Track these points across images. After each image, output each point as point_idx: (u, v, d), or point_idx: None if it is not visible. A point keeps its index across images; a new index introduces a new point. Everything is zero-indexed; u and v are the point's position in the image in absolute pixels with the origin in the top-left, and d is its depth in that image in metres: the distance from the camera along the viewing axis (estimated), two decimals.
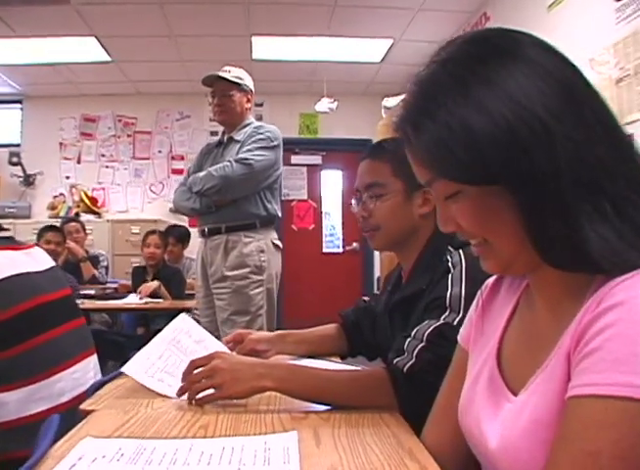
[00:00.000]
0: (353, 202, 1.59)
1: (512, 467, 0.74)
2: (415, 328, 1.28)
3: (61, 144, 7.12)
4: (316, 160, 7.48)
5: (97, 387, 1.38)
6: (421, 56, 5.83)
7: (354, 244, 7.49)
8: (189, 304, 4.36)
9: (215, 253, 3.11)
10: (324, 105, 6.46)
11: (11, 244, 1.61)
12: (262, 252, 3.09)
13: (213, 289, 3.13)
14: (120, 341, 3.87)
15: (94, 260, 5.31)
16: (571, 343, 0.70)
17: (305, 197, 7.45)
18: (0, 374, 1.40)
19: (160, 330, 4.42)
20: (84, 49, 5.62)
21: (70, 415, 1.35)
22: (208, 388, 1.20)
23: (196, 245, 5.58)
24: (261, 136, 3.12)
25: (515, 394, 0.80)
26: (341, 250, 7.57)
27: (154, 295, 4.30)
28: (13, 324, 1.42)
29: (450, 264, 1.34)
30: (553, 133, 0.69)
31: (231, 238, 3.08)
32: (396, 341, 1.31)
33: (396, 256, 1.61)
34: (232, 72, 3.20)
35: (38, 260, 1.63)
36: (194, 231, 5.75)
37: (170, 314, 4.48)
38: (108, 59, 5.87)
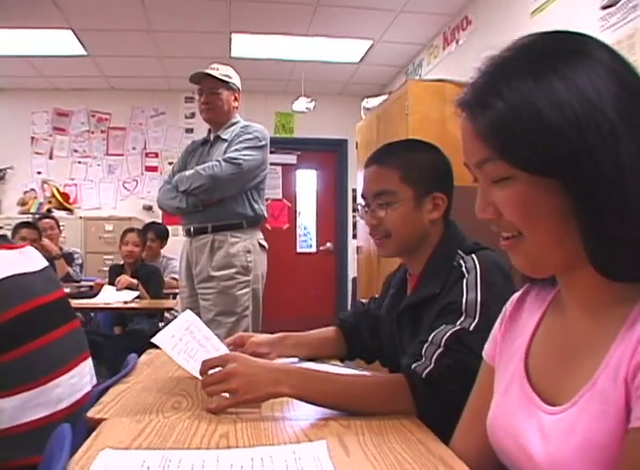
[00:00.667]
0: (360, 208, 1.58)
1: None
2: (432, 333, 1.26)
3: (32, 138, 6.95)
4: (291, 159, 7.44)
5: (100, 394, 1.33)
6: (400, 57, 5.88)
7: (328, 244, 7.48)
8: (167, 303, 4.30)
9: (201, 252, 3.05)
10: (301, 104, 6.43)
11: (4, 242, 1.54)
12: (249, 252, 3.06)
13: (199, 289, 3.07)
14: (98, 341, 3.78)
15: (68, 258, 5.21)
16: (628, 367, 0.68)
17: (280, 196, 7.41)
18: None
19: (137, 330, 4.38)
20: (60, 42, 5.48)
21: (72, 423, 1.30)
22: (223, 392, 1.17)
23: (173, 243, 5.56)
24: (249, 136, 3.08)
25: (550, 404, 0.79)
26: (314, 249, 7.55)
27: (130, 287, 4.22)
28: (9, 328, 1.35)
29: (464, 269, 1.33)
30: (619, 135, 0.69)
31: (217, 238, 3.03)
32: (412, 346, 1.29)
33: (404, 260, 1.60)
34: (220, 70, 3.15)
35: (32, 260, 1.56)
36: (171, 229, 5.70)
37: (148, 314, 4.46)
38: (83, 53, 5.73)
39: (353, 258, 6.69)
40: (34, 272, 1.52)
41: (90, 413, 1.17)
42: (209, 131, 3.28)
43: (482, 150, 0.77)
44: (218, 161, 2.96)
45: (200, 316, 3.00)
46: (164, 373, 1.58)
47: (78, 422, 1.25)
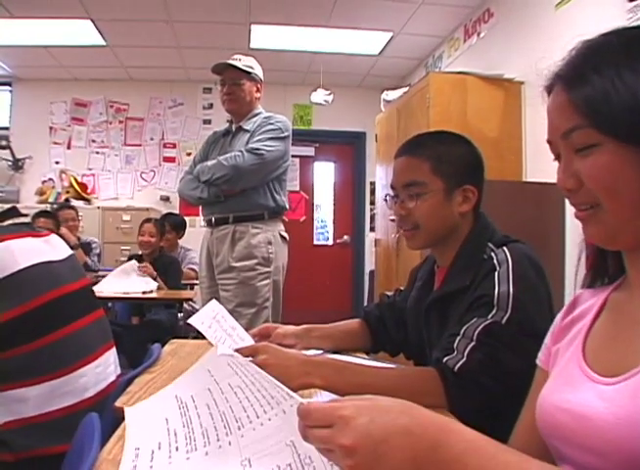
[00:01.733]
0: (388, 199, 1.56)
1: (631, 441, 0.70)
2: (464, 326, 1.24)
3: (51, 128, 6.97)
4: (309, 151, 7.41)
5: (127, 383, 1.33)
6: (420, 50, 5.83)
7: (345, 237, 7.45)
8: (186, 294, 4.30)
9: (222, 243, 3.05)
10: (320, 96, 6.40)
11: (30, 231, 1.54)
12: (270, 243, 3.05)
13: (219, 280, 3.07)
14: (117, 330, 3.78)
15: (86, 248, 5.23)
16: None
17: (297, 188, 7.38)
18: (21, 368, 1.33)
19: (155, 321, 4.38)
20: (79, 32, 5.47)
21: (97, 412, 1.29)
22: None
23: (191, 235, 5.57)
24: (272, 127, 3.06)
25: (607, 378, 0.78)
26: (331, 242, 7.53)
27: (150, 275, 4.23)
28: (36, 316, 1.35)
29: (496, 262, 1.31)
30: None
31: (239, 228, 3.02)
32: (443, 339, 1.27)
33: (432, 252, 1.58)
34: (243, 61, 3.14)
35: (57, 249, 1.56)
36: (188, 220, 5.71)
37: (166, 304, 4.47)
38: (102, 43, 5.73)
39: (370, 251, 6.67)
40: (60, 261, 1.52)
41: (118, 403, 1.17)
42: (231, 122, 3.26)
43: (573, 118, 0.79)
44: (241, 151, 2.95)
45: None
46: (190, 363, 1.56)
47: (105, 411, 1.25)
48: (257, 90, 3.21)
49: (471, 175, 1.48)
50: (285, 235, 3.18)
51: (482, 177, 1.51)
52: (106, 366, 1.54)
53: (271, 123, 3.07)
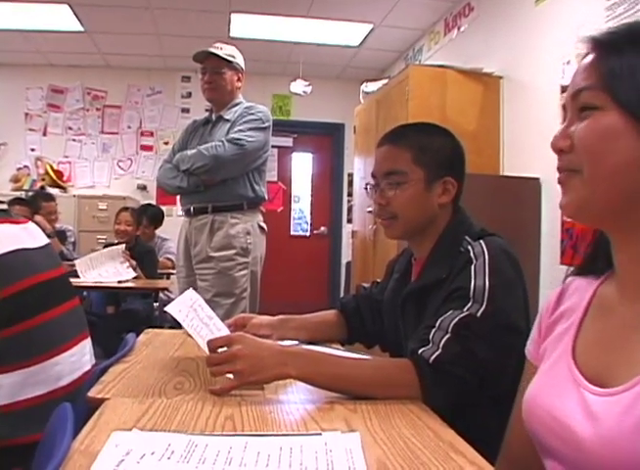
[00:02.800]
0: (369, 188, 1.55)
1: (612, 462, 0.72)
2: (439, 318, 1.24)
3: (26, 115, 6.85)
4: (287, 142, 7.38)
5: (100, 373, 1.31)
6: (400, 42, 5.84)
7: (322, 228, 7.45)
8: (162, 283, 4.28)
9: (200, 233, 3.03)
10: (299, 87, 6.37)
11: (7, 217, 1.51)
12: (249, 234, 3.03)
13: (197, 269, 3.05)
14: (93, 320, 3.74)
15: (61, 236, 5.16)
16: None
17: (275, 179, 7.34)
18: None
19: (131, 310, 4.36)
20: (57, 17, 5.38)
21: (71, 402, 1.28)
22: (228, 373, 1.16)
23: (168, 224, 5.52)
24: (253, 117, 3.04)
25: (597, 386, 0.78)
26: (308, 233, 7.52)
27: (130, 264, 4.20)
28: (12, 302, 1.33)
29: (472, 255, 1.32)
30: None
31: (217, 218, 3.00)
32: (419, 330, 1.27)
33: (410, 244, 1.58)
34: (224, 49, 3.11)
35: (34, 236, 1.54)
36: (165, 210, 5.67)
37: (142, 294, 4.44)
38: (80, 29, 5.63)
39: (347, 242, 6.68)
40: (36, 248, 1.50)
41: (91, 393, 1.16)
42: (211, 111, 3.23)
43: (590, 78, 0.80)
44: (222, 141, 2.93)
45: None
46: (164, 353, 1.57)
47: (78, 401, 1.23)
48: (239, 79, 3.18)
49: (452, 167, 1.48)
50: (263, 226, 3.17)
51: (463, 170, 1.52)
52: (81, 355, 1.52)
53: (252, 114, 3.05)
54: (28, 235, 1.49)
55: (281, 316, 1.71)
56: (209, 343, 1.20)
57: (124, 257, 4.18)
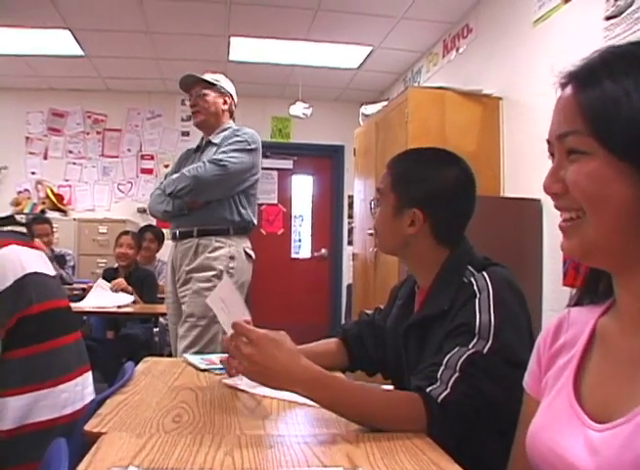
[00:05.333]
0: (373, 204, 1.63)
1: None
2: (446, 355, 1.22)
3: (27, 138, 6.87)
4: (287, 164, 7.40)
5: (97, 405, 1.29)
6: (399, 64, 5.86)
7: (323, 250, 7.43)
8: (161, 308, 4.24)
9: (185, 256, 2.98)
10: (298, 109, 6.39)
11: (29, 241, 1.56)
12: (232, 258, 2.96)
13: (179, 293, 2.99)
14: (92, 346, 3.71)
15: (60, 260, 5.15)
16: None
17: (275, 201, 7.36)
18: (11, 375, 1.30)
19: (130, 335, 4.33)
20: (57, 42, 5.41)
21: (71, 432, 1.26)
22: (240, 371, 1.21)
23: (167, 248, 5.50)
24: (238, 139, 3.00)
25: (598, 421, 0.76)
26: (309, 256, 7.49)
27: (125, 290, 4.17)
28: (31, 323, 1.34)
29: (476, 288, 1.30)
30: None
31: (202, 242, 2.95)
32: (425, 366, 1.25)
33: (410, 271, 1.59)
34: (210, 76, 3.14)
35: (47, 264, 1.57)
36: (165, 233, 5.65)
37: (142, 318, 4.41)
38: (80, 53, 5.66)
39: (348, 264, 6.66)
40: (51, 276, 1.53)
41: (88, 426, 1.13)
42: (202, 138, 3.21)
43: (575, 121, 0.78)
44: (203, 162, 2.91)
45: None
46: (163, 383, 1.54)
47: (75, 435, 1.21)
48: (225, 102, 3.16)
49: (427, 201, 1.45)
50: (250, 253, 3.08)
51: (445, 207, 1.47)
52: (84, 386, 1.51)
53: (237, 136, 3.02)
54: (44, 262, 1.52)
55: None
56: (235, 326, 1.19)
57: (115, 286, 4.16)
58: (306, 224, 7.55)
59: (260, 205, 7.22)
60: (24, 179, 6.83)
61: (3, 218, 1.58)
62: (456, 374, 1.19)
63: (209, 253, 2.92)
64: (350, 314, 5.89)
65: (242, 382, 1.46)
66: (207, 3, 4.64)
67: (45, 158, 6.91)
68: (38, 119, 6.89)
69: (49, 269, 1.53)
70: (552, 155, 0.84)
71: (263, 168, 7.12)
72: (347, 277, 6.88)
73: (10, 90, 6.73)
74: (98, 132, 6.99)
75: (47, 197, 6.62)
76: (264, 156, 7.11)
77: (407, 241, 1.47)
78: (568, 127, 0.79)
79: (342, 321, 6.88)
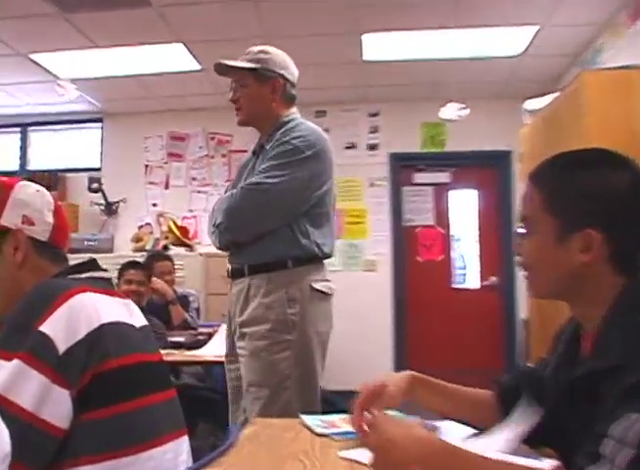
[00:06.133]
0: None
1: None
2: (618, 424, 1.08)
3: (146, 166, 7.31)
4: (444, 177, 7.32)
5: None
6: (573, 43, 5.57)
7: (492, 278, 7.21)
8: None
9: (238, 301, 2.71)
10: (451, 111, 6.32)
11: (110, 288, 1.60)
12: (293, 300, 2.61)
13: (238, 349, 2.73)
14: (215, 398, 3.79)
15: (183, 301, 5.32)
16: None
17: (432, 222, 7.27)
18: (84, 440, 1.31)
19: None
20: (170, 57, 5.75)
21: None
22: None
23: None
24: (284, 147, 2.63)
25: None
26: (475, 285, 7.30)
27: None
28: (109, 379, 1.35)
29: None
30: None
31: (254, 282, 2.65)
32: (591, 438, 1.12)
33: (571, 311, 1.45)
34: (248, 55, 2.82)
35: (133, 315, 1.61)
36: None
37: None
38: (197, 67, 5.97)
39: (523, 294, 6.40)
40: (136, 328, 1.56)
41: None
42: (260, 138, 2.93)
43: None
44: (238, 189, 2.65)
45: (240, 381, 2.73)
46: (268, 451, 1.52)
47: None
48: (274, 90, 2.79)
49: (598, 216, 1.30)
50: (321, 288, 2.69)
51: (626, 223, 1.32)
52: (177, 454, 1.51)
53: (285, 142, 2.64)
54: (127, 311, 1.56)
55: (413, 373, 1.66)
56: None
57: None
58: (471, 248, 7.40)
59: (414, 227, 7.18)
60: (145, 212, 7.25)
61: (82, 263, 1.63)
62: (633, 451, 1.05)
63: (262, 298, 2.62)
64: (528, 356, 5.64)
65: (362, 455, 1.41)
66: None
67: (166, 187, 7.31)
68: (157, 145, 7.31)
69: (135, 319, 1.56)
70: None
71: (415, 184, 7.17)
72: (525, 310, 6.62)
73: (124, 115, 7.23)
74: (223, 155, 7.28)
75: (170, 231, 6.94)
76: (416, 169, 7.13)
77: (576, 274, 1.33)
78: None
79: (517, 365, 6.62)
